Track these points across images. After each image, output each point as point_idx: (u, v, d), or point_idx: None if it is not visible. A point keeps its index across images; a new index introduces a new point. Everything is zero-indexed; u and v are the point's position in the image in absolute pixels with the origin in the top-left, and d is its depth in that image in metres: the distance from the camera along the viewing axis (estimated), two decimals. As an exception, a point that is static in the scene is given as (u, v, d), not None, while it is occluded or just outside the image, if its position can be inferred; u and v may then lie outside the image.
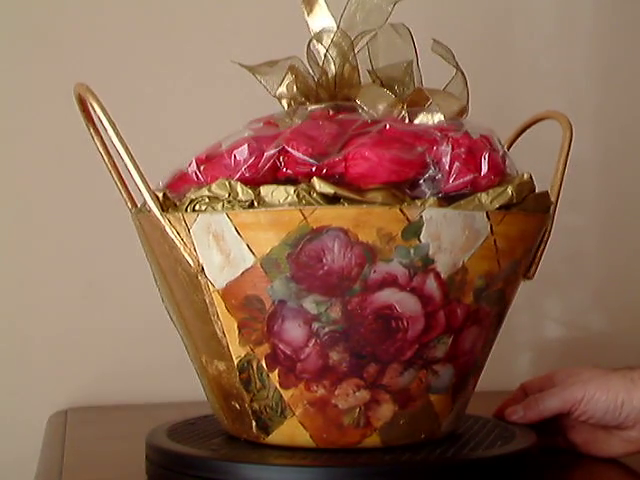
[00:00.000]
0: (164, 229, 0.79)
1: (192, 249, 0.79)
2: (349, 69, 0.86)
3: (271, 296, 0.77)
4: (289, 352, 0.78)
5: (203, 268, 0.79)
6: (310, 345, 0.77)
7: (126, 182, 0.86)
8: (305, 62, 0.87)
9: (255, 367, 0.80)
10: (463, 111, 0.84)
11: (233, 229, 0.76)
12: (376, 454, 0.79)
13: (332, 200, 0.75)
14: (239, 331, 0.79)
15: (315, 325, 0.77)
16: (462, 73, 0.85)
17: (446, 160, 0.77)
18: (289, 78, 0.86)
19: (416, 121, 0.83)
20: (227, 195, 0.76)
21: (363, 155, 0.75)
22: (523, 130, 0.97)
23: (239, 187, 0.76)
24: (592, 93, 1.38)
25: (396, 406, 0.79)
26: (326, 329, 0.77)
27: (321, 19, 0.88)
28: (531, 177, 0.81)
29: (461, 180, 0.77)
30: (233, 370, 0.81)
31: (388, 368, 0.78)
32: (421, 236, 0.75)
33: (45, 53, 1.23)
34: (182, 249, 0.79)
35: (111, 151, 0.84)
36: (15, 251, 1.23)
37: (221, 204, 0.77)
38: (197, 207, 0.78)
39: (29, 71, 1.23)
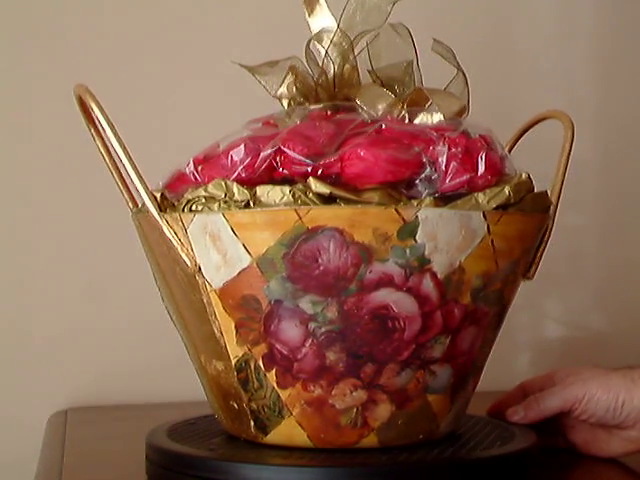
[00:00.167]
0: (161, 229, 0.79)
1: (189, 249, 0.79)
2: (349, 69, 0.86)
3: (267, 296, 0.77)
4: (286, 352, 0.78)
5: (200, 268, 0.79)
6: (307, 345, 0.77)
7: (127, 182, 0.86)
8: (304, 62, 0.87)
9: (253, 367, 0.80)
10: (463, 111, 0.84)
11: (229, 229, 0.76)
12: (373, 454, 0.79)
13: (328, 200, 0.75)
14: (236, 331, 0.79)
15: (311, 325, 0.77)
16: (463, 73, 0.85)
17: (442, 160, 0.77)
18: (289, 78, 0.86)
19: (416, 121, 0.83)
20: (223, 195, 0.76)
21: (359, 155, 0.75)
22: (526, 130, 0.97)
23: (235, 187, 0.76)
24: (592, 93, 1.39)
25: (393, 406, 0.79)
26: (322, 329, 0.77)
27: (322, 19, 0.88)
28: (529, 177, 0.81)
29: (457, 180, 0.77)
30: (231, 370, 0.81)
31: (385, 368, 0.78)
32: (417, 236, 0.75)
33: (46, 53, 1.23)
34: (179, 249, 0.79)
35: (112, 151, 0.84)
36: (15, 251, 1.23)
37: (217, 204, 0.77)
38: (194, 207, 0.78)
39: (29, 71, 1.23)
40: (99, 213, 1.22)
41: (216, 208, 0.77)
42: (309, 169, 0.76)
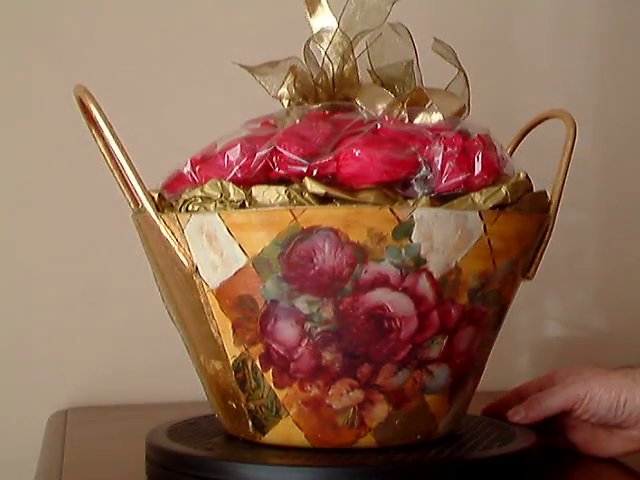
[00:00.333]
0: (159, 229, 0.79)
1: (186, 249, 0.79)
2: (348, 69, 0.86)
3: (264, 296, 0.77)
4: (282, 352, 0.78)
5: (197, 268, 0.79)
6: (303, 345, 0.77)
7: (128, 183, 0.86)
8: (304, 63, 0.87)
9: (250, 367, 0.80)
10: (463, 111, 0.84)
11: (225, 229, 0.76)
12: (370, 454, 0.79)
13: (324, 200, 0.75)
14: (233, 331, 0.79)
15: (307, 325, 0.77)
16: (464, 73, 0.85)
17: (438, 160, 0.77)
18: (290, 79, 0.86)
19: (416, 121, 0.83)
20: (219, 195, 0.77)
21: (354, 155, 0.76)
22: (528, 130, 0.97)
23: (231, 187, 0.76)
24: (592, 93, 1.38)
25: (390, 406, 0.79)
26: (318, 329, 0.77)
27: (323, 19, 0.88)
28: (527, 177, 0.81)
29: (454, 180, 0.77)
30: (229, 370, 0.81)
31: (382, 368, 0.78)
32: (412, 236, 0.75)
33: (46, 54, 1.23)
34: (177, 249, 0.79)
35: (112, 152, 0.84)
36: (15, 251, 1.23)
37: (213, 204, 0.77)
38: (190, 207, 0.78)
39: (30, 72, 1.23)
40: (99, 213, 1.22)
41: (212, 208, 0.77)
42: (304, 169, 0.76)
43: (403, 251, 0.75)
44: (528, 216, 0.81)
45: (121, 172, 0.86)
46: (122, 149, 0.79)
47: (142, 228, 0.83)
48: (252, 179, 0.77)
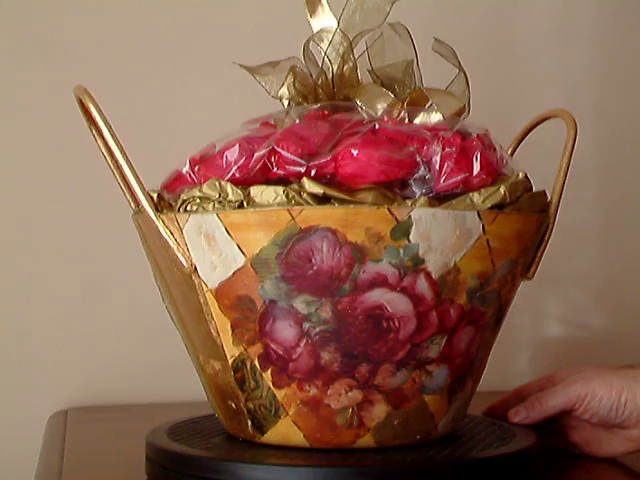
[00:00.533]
0: (158, 230, 0.79)
1: (185, 249, 0.79)
2: (348, 69, 0.86)
3: (262, 296, 0.77)
4: (281, 352, 0.78)
5: (196, 268, 0.79)
6: (301, 345, 0.77)
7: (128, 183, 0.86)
8: (303, 63, 0.87)
9: (249, 367, 0.80)
10: (462, 111, 0.84)
11: (223, 229, 0.76)
12: (369, 454, 0.79)
13: (322, 200, 0.75)
14: (232, 331, 0.79)
15: (306, 325, 0.77)
16: (464, 73, 0.85)
17: (436, 160, 0.77)
18: (290, 79, 0.86)
19: (416, 121, 0.82)
20: (217, 196, 0.77)
21: (352, 155, 0.75)
22: (530, 130, 0.96)
23: (229, 187, 0.76)
24: (592, 93, 1.38)
25: (389, 406, 0.79)
26: (317, 329, 0.77)
27: (324, 20, 0.88)
28: (526, 176, 0.81)
29: (452, 180, 0.77)
30: (228, 370, 0.81)
31: (380, 368, 0.78)
32: (410, 236, 0.75)
33: (46, 54, 1.23)
34: (175, 249, 0.79)
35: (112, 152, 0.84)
36: (15, 251, 1.23)
37: (212, 204, 0.77)
38: (189, 208, 0.79)
39: (30, 72, 1.23)
40: (99, 213, 1.22)
41: (210, 208, 0.77)
42: (303, 169, 0.76)
43: (401, 251, 0.75)
44: (527, 216, 0.81)
45: (121, 172, 0.86)
46: (121, 149, 0.79)
47: (142, 228, 0.84)
48: (250, 179, 0.77)
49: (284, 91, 0.86)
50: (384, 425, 0.80)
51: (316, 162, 0.76)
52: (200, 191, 0.77)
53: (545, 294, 1.35)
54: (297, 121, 0.82)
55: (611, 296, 1.39)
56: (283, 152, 0.76)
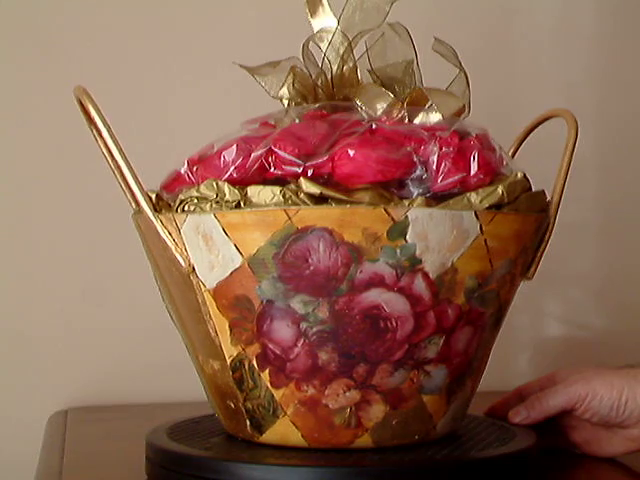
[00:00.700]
0: (156, 230, 0.79)
1: (183, 249, 0.79)
2: (348, 69, 0.86)
3: (259, 296, 0.77)
4: (279, 352, 0.78)
5: (194, 268, 0.79)
6: (299, 345, 0.77)
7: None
8: (302, 63, 0.87)
9: (247, 367, 0.80)
10: (462, 111, 0.84)
11: (221, 229, 0.76)
12: (367, 454, 0.79)
13: (320, 200, 0.75)
14: (230, 331, 0.79)
15: (303, 325, 0.77)
16: (464, 72, 0.85)
17: (434, 160, 0.77)
18: (290, 79, 0.86)
19: (415, 121, 0.82)
20: (215, 196, 0.77)
21: (349, 155, 0.76)
22: (532, 129, 0.96)
23: (226, 188, 0.76)
24: (592, 93, 1.38)
25: (387, 406, 0.79)
26: (314, 329, 0.77)
27: (324, 20, 0.88)
28: (525, 176, 0.81)
29: (450, 180, 0.77)
30: (227, 369, 0.81)
31: (378, 368, 0.78)
32: (407, 236, 0.75)
33: (46, 54, 1.23)
34: (174, 249, 0.79)
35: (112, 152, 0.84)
36: (15, 251, 1.23)
37: (209, 205, 0.77)
38: (186, 208, 0.79)
39: (30, 72, 1.23)
40: (99, 213, 1.22)
41: (208, 208, 0.77)
42: (300, 169, 0.76)
43: (398, 251, 0.75)
44: (526, 216, 0.81)
45: (122, 172, 0.86)
46: (120, 150, 0.80)
47: (141, 228, 0.84)
48: (248, 179, 0.77)
49: (284, 91, 0.86)
50: (382, 425, 0.80)
51: (313, 162, 0.76)
52: (198, 191, 0.78)
53: (545, 294, 1.35)
54: (296, 121, 0.82)
55: (611, 296, 1.39)
56: (280, 152, 0.76)
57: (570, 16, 1.38)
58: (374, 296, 0.76)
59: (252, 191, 0.75)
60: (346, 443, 0.80)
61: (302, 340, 0.77)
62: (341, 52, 0.86)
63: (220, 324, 0.80)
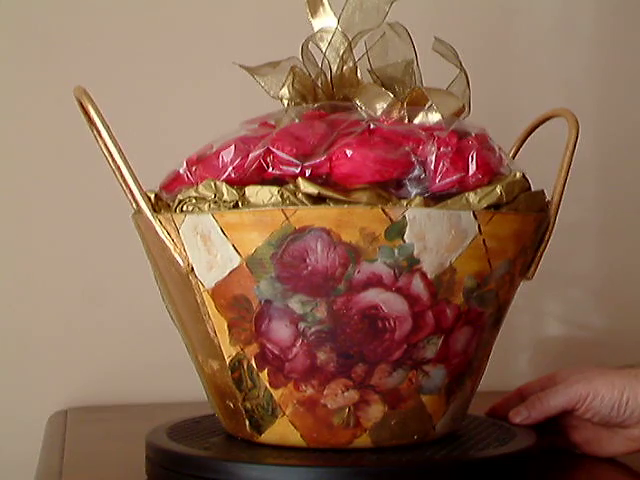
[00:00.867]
0: (155, 230, 0.79)
1: (182, 249, 0.79)
2: (348, 69, 0.86)
3: (258, 296, 0.77)
4: (277, 352, 0.78)
5: (193, 268, 0.79)
6: (297, 345, 0.77)
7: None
8: (302, 63, 0.87)
9: (246, 366, 0.80)
10: (462, 110, 0.84)
11: (219, 229, 0.76)
12: (365, 454, 0.79)
13: (318, 200, 0.75)
14: (229, 330, 0.80)
15: (301, 325, 0.77)
16: (464, 72, 0.85)
17: (432, 160, 0.77)
18: (290, 79, 0.86)
19: (415, 121, 0.82)
20: (213, 196, 0.77)
21: (346, 155, 0.76)
22: (533, 129, 0.96)
23: (224, 188, 0.76)
24: (592, 93, 1.38)
25: (386, 406, 0.79)
26: (312, 329, 0.77)
27: (325, 20, 0.88)
28: (524, 176, 0.81)
29: (448, 179, 0.77)
30: (226, 369, 0.81)
31: (376, 368, 0.78)
32: (405, 236, 0.75)
33: (46, 54, 1.24)
34: (173, 249, 0.79)
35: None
36: (15, 251, 1.23)
37: (207, 205, 0.77)
38: (185, 208, 0.79)
39: (30, 72, 1.23)
40: (99, 213, 1.23)
41: (206, 209, 0.77)
42: (297, 170, 0.76)
43: (396, 251, 0.75)
44: (525, 216, 0.81)
45: (120, 172, 0.86)
46: (119, 150, 0.80)
47: (141, 228, 0.84)
48: (246, 179, 0.77)
49: (284, 91, 0.86)
50: (381, 425, 0.80)
51: (311, 162, 0.76)
52: (196, 191, 0.78)
53: (545, 294, 1.35)
54: (296, 121, 0.82)
55: (611, 296, 1.38)
56: (278, 152, 0.76)
57: (570, 16, 1.38)
58: (372, 296, 0.76)
59: (250, 191, 0.75)
60: (345, 443, 0.80)
61: (300, 340, 0.77)
62: (341, 52, 0.86)
63: (219, 324, 0.80)
